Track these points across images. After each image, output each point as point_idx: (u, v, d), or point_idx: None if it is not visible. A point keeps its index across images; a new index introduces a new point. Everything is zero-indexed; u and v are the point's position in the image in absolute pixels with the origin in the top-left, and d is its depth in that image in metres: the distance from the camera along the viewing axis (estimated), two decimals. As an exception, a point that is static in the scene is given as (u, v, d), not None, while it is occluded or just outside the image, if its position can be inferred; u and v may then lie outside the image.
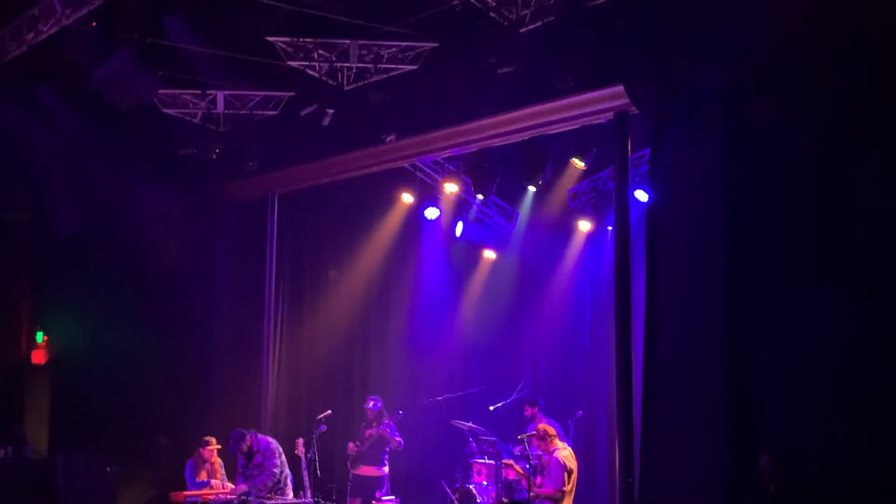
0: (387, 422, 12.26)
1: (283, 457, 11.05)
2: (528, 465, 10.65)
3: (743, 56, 9.08)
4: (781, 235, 8.98)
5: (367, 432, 12.37)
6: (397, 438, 12.26)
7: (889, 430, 8.05)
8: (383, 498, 12.38)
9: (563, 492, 9.95)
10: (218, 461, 12.08)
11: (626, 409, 9.81)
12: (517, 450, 11.89)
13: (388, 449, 12.38)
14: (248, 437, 10.92)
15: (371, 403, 12.45)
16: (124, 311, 13.31)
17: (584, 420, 13.02)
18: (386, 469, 12.46)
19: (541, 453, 10.68)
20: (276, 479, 10.80)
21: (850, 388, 8.39)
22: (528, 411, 12.42)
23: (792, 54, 8.84)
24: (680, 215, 9.85)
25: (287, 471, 11.00)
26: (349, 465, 12.34)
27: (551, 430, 10.43)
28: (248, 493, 10.36)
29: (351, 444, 12.39)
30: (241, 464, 11.02)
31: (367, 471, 12.33)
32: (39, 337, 13.94)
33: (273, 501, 10.18)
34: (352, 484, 12.27)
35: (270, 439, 11.10)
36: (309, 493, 11.06)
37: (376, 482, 12.33)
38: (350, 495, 12.12)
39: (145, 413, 13.37)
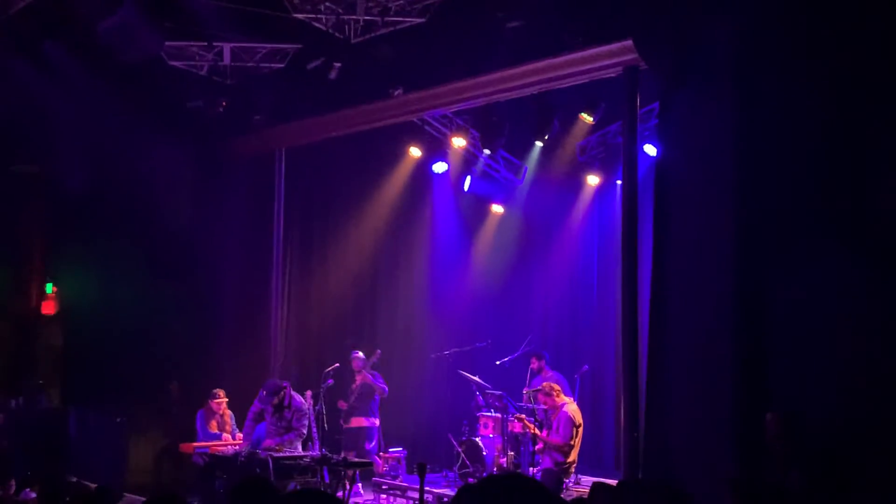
0: (365, 366, 12.41)
1: (311, 414, 11.11)
2: (533, 419, 10.75)
3: (756, 14, 8.98)
4: (793, 193, 8.91)
5: (352, 386, 12.54)
6: (381, 384, 12.43)
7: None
8: (390, 450, 12.54)
9: (571, 445, 10.05)
10: (228, 413, 12.21)
11: (632, 364, 9.84)
12: (522, 402, 12.02)
13: (377, 399, 12.52)
14: (283, 392, 10.91)
15: (353, 356, 12.61)
16: (134, 262, 13.33)
17: (591, 374, 13.09)
18: (376, 421, 12.61)
19: (546, 408, 10.77)
20: (300, 439, 10.88)
21: (862, 349, 8.36)
22: (535, 364, 12.52)
23: (807, 11, 8.74)
24: (689, 171, 9.79)
25: None
26: (342, 423, 12.49)
27: (556, 386, 10.50)
28: (278, 449, 10.45)
29: (341, 402, 12.54)
30: (261, 409, 10.99)
31: (356, 422, 12.50)
32: (49, 288, 13.99)
33: (281, 454, 10.25)
34: (345, 437, 12.42)
35: (302, 399, 11.12)
36: (317, 446, 11.19)
37: (364, 433, 12.48)
38: (345, 448, 12.27)
39: (155, 364, 13.45)
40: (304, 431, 10.89)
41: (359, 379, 12.49)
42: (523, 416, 11.30)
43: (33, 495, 8.32)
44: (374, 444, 12.53)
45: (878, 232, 8.41)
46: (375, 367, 12.72)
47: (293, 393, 11.07)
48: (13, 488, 8.98)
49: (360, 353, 12.70)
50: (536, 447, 10.33)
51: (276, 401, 10.87)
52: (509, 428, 11.92)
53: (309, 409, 11.33)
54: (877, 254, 8.33)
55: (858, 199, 8.54)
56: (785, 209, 8.97)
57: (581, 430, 10.24)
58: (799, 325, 8.78)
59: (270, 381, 11.23)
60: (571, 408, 10.23)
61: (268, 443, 10.69)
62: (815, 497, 7.68)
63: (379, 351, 12.72)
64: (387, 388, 12.53)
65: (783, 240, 8.96)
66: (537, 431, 10.54)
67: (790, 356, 8.79)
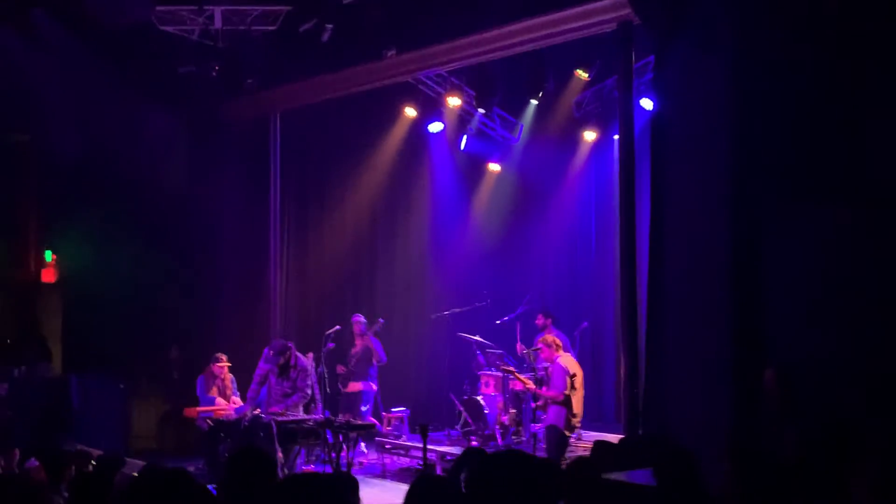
0: (368, 332, 12.45)
1: (314, 376, 11.13)
2: (533, 376, 10.79)
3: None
4: (790, 149, 8.87)
5: (353, 350, 12.57)
6: (380, 352, 12.46)
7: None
8: (393, 410, 12.61)
9: (566, 395, 10.01)
10: (229, 377, 12.25)
11: (632, 320, 9.87)
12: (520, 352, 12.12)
13: (374, 364, 12.57)
14: (288, 352, 10.89)
15: (355, 321, 12.63)
16: (131, 229, 13.34)
17: (591, 331, 13.13)
18: (374, 386, 12.64)
19: (546, 364, 10.78)
20: (307, 399, 10.89)
21: (858, 305, 8.38)
22: (541, 321, 12.46)
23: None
24: (686, 125, 9.75)
25: None
26: (340, 387, 12.54)
27: (558, 341, 10.50)
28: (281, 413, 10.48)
29: (339, 366, 12.58)
30: (267, 371, 11.02)
31: (353, 387, 12.54)
32: (48, 256, 13.98)
33: (285, 417, 10.30)
34: (343, 400, 12.49)
35: (305, 359, 11.13)
36: (319, 408, 11.25)
37: (359, 397, 12.52)
38: (342, 411, 12.34)
39: (156, 330, 13.51)
40: (309, 392, 10.90)
41: (360, 343, 12.52)
42: (513, 368, 11.33)
43: (37, 464, 8.35)
44: (368, 407, 12.57)
45: (873, 182, 8.39)
46: (377, 335, 12.73)
47: (297, 353, 11.07)
48: (17, 457, 9.03)
49: (362, 318, 12.71)
50: (538, 403, 10.36)
51: (281, 360, 10.86)
52: (510, 385, 11.98)
53: (312, 370, 11.39)
54: (873, 203, 8.33)
55: (855, 150, 8.52)
56: (781, 161, 8.94)
57: (579, 380, 10.14)
58: (796, 277, 8.78)
59: (276, 341, 11.25)
60: (564, 359, 10.17)
61: (274, 409, 10.72)
62: (811, 458, 7.73)
63: (382, 320, 12.73)
64: (385, 357, 12.55)
65: (779, 191, 8.94)
66: (530, 383, 10.55)
67: (788, 309, 8.80)
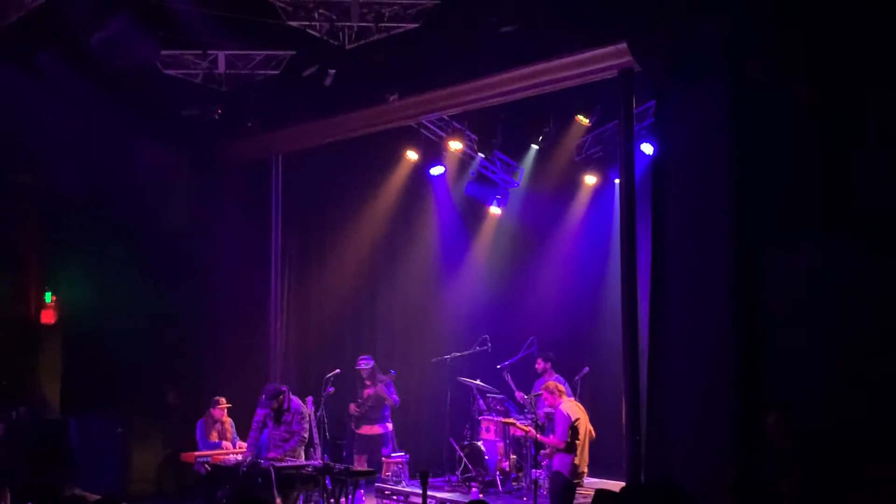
0: (383, 379, 12.41)
1: (312, 419, 11.05)
2: (533, 421, 10.68)
3: (745, 8, 9.00)
4: (787, 186, 8.96)
5: (366, 392, 12.53)
6: (393, 397, 12.45)
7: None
8: (393, 455, 12.54)
9: (567, 443, 9.83)
10: (228, 420, 12.18)
11: (633, 366, 9.83)
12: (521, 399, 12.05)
13: (388, 406, 12.53)
14: (281, 395, 10.77)
15: (363, 363, 12.56)
16: (132, 270, 13.32)
17: (591, 376, 13.07)
18: (390, 426, 12.61)
19: (549, 410, 10.67)
20: (305, 442, 10.79)
21: (858, 337, 8.38)
22: (541, 365, 12.43)
23: (794, 4, 8.76)
24: (686, 168, 9.83)
25: None
26: (353, 426, 12.49)
27: (560, 386, 10.41)
28: (280, 459, 10.37)
29: (352, 405, 12.55)
30: (264, 416, 10.92)
31: (370, 430, 12.50)
32: (48, 297, 13.96)
33: (284, 463, 10.22)
34: (357, 443, 12.43)
35: (301, 402, 11.00)
36: (318, 452, 11.17)
37: (380, 440, 12.53)
38: (357, 453, 12.29)
39: (155, 372, 13.45)
40: (305, 435, 10.79)
41: (371, 386, 12.46)
42: (513, 420, 11.26)
43: (33, 507, 8.29)
44: (389, 448, 12.55)
45: (873, 222, 8.44)
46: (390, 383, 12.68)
47: (292, 396, 10.99)
48: (8, 499, 8.95)
49: (371, 360, 12.65)
50: (542, 452, 10.25)
51: (275, 404, 10.78)
52: (511, 431, 11.92)
53: (310, 414, 11.32)
54: (873, 244, 8.36)
55: (853, 189, 8.59)
56: (780, 202, 9.01)
57: (582, 427, 9.96)
58: (797, 321, 8.80)
59: (269, 385, 11.16)
60: (567, 405, 10.02)
61: (272, 455, 10.64)
62: (813, 497, 7.70)
63: (394, 372, 12.70)
64: (398, 400, 12.53)
65: (780, 233, 9.00)
66: (532, 431, 10.45)
67: (789, 355, 8.81)
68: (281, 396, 10.74)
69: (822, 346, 8.59)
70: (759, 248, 9.14)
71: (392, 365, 13.02)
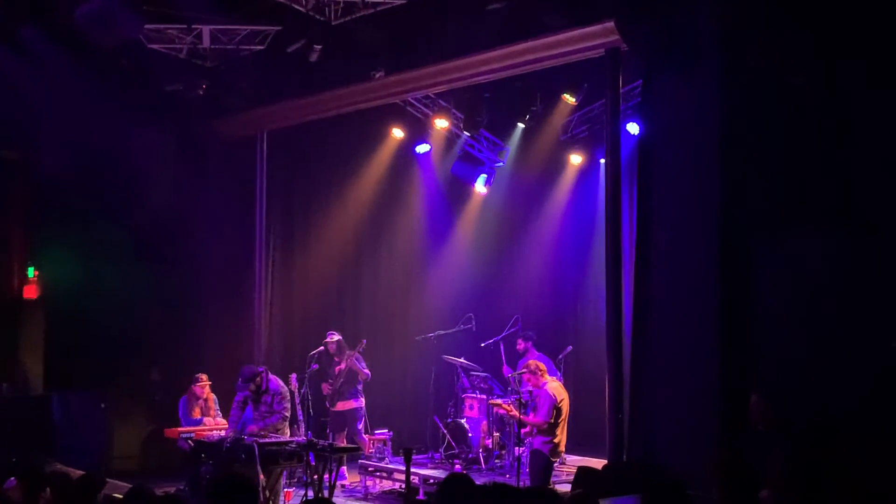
0: (350, 353, 12.40)
1: (293, 399, 11.00)
2: (517, 400, 10.74)
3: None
4: (777, 173, 8.95)
5: (337, 369, 12.55)
6: (365, 371, 12.44)
7: (886, 371, 8.09)
8: (376, 432, 12.57)
9: (551, 423, 9.96)
10: (211, 397, 12.18)
11: (617, 345, 9.85)
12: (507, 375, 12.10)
13: (360, 381, 12.54)
14: (258, 377, 10.68)
15: (329, 338, 12.56)
16: (116, 246, 13.28)
17: (575, 355, 13.12)
18: (362, 401, 12.62)
19: (531, 388, 10.73)
20: (285, 421, 10.76)
21: (846, 328, 8.42)
22: (521, 345, 12.53)
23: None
24: (673, 150, 9.82)
25: None
26: (328, 405, 12.50)
27: (542, 366, 10.47)
28: (259, 434, 10.35)
29: (325, 385, 12.56)
30: (244, 398, 10.85)
31: (343, 405, 12.53)
32: (31, 272, 13.90)
33: (267, 439, 10.23)
34: (331, 420, 12.43)
35: (280, 382, 10.96)
36: (302, 429, 11.18)
37: (354, 414, 12.54)
38: (333, 431, 12.28)
39: (138, 349, 13.43)
40: (287, 413, 10.76)
41: (344, 364, 12.48)
42: (499, 401, 11.32)
43: (15, 483, 8.26)
44: (362, 424, 12.57)
45: (861, 208, 8.46)
46: (361, 354, 12.68)
47: (271, 376, 10.93)
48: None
49: (336, 335, 12.64)
50: (523, 430, 10.31)
51: (252, 387, 10.72)
52: (494, 409, 11.96)
53: (294, 392, 11.32)
54: (860, 230, 8.38)
55: (842, 175, 8.59)
56: (768, 188, 9.01)
57: (565, 408, 10.11)
58: (781, 303, 8.83)
59: (245, 368, 11.01)
60: (552, 386, 10.11)
61: (251, 428, 10.63)
62: (796, 479, 7.74)
63: (364, 340, 12.68)
64: (369, 373, 12.54)
65: (767, 216, 9.00)
66: (515, 412, 10.52)
67: (772, 335, 8.85)
68: (258, 378, 10.67)
69: (810, 332, 8.62)
70: (745, 231, 9.15)
71: (377, 342, 13.06)
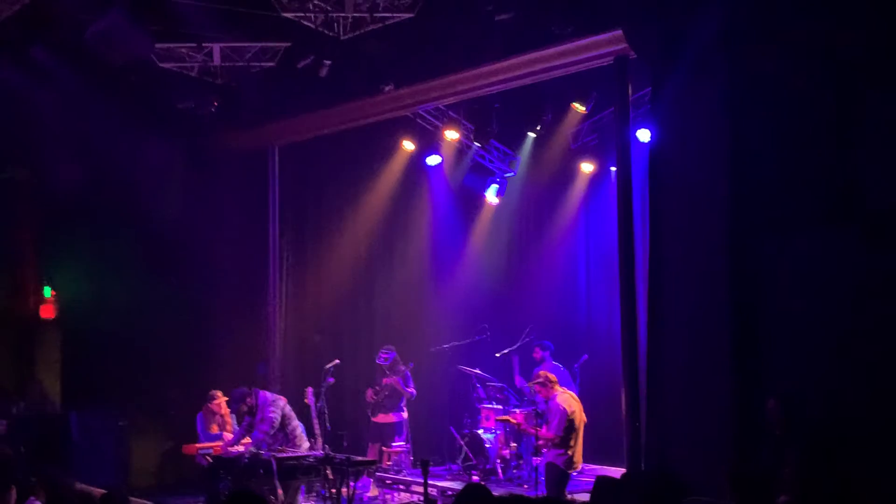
0: (402, 370, 12.48)
1: (286, 407, 10.86)
2: (534, 410, 10.76)
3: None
4: (786, 176, 8.94)
5: (385, 381, 12.58)
6: (409, 390, 12.51)
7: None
8: (393, 444, 12.58)
9: (561, 437, 9.95)
10: (228, 412, 12.17)
11: (632, 354, 9.86)
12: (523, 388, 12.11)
13: (404, 398, 12.61)
14: (248, 398, 10.70)
15: (384, 356, 12.62)
16: (130, 263, 13.34)
17: (590, 364, 13.11)
18: (404, 415, 12.72)
19: (543, 400, 10.72)
20: (274, 426, 10.59)
21: (855, 330, 8.39)
22: (538, 354, 12.51)
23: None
24: (683, 156, 9.81)
25: (296, 422, 10.99)
26: (369, 413, 12.53)
27: (552, 377, 10.45)
28: (257, 448, 10.37)
29: (369, 391, 12.61)
30: (247, 421, 10.91)
31: (384, 418, 12.61)
32: (47, 292, 13.98)
33: (285, 454, 10.25)
34: (371, 431, 12.46)
35: (267, 393, 10.99)
36: (319, 443, 11.20)
37: (393, 428, 12.65)
38: (370, 441, 12.34)
39: (154, 365, 13.47)
40: (273, 416, 10.57)
41: (389, 380, 12.54)
42: (508, 416, 11.33)
43: (38, 503, 8.29)
44: (402, 437, 12.65)
45: (872, 209, 8.44)
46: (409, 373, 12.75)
47: (260, 392, 10.88)
48: (14, 497, 8.95)
49: (393, 353, 12.74)
50: (539, 443, 10.31)
51: (244, 407, 10.72)
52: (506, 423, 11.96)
53: (311, 406, 11.35)
54: (872, 230, 8.37)
55: (851, 176, 8.57)
56: (779, 192, 8.99)
57: (578, 419, 10.08)
58: (794, 307, 8.81)
59: (234, 392, 10.99)
60: (563, 398, 10.08)
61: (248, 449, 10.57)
62: (811, 482, 7.73)
63: (412, 364, 12.75)
64: (414, 392, 12.67)
65: (777, 220, 8.99)
66: (525, 426, 10.56)
67: (786, 339, 8.83)
68: (247, 398, 10.69)
69: (820, 335, 8.59)
70: (757, 237, 9.14)
71: (405, 360, 13.03)
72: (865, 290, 8.38)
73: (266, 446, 10.52)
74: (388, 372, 12.65)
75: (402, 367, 12.59)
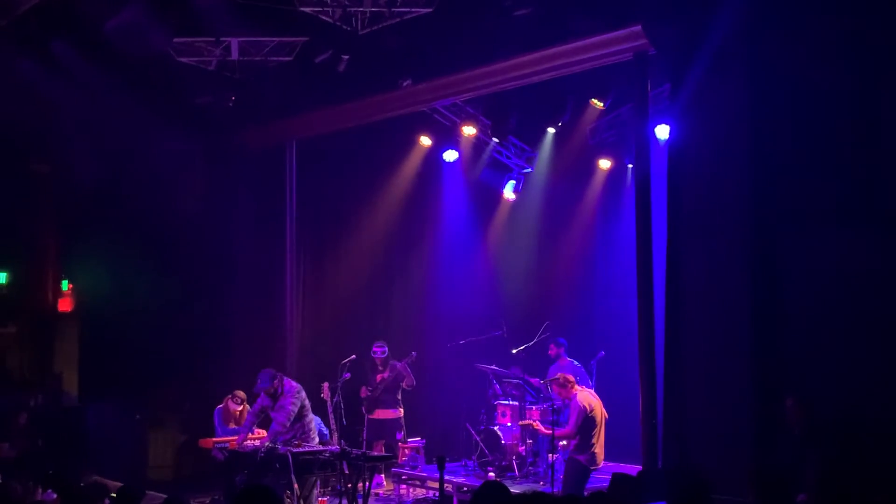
0: (395, 366, 12.47)
1: (306, 400, 10.90)
2: (551, 406, 10.74)
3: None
4: (807, 173, 8.90)
5: (379, 377, 12.57)
6: (410, 375, 12.46)
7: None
8: (409, 440, 12.57)
9: (577, 433, 9.94)
10: (245, 408, 12.20)
11: (649, 351, 9.82)
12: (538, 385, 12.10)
13: (400, 390, 12.56)
14: (275, 381, 10.62)
15: (378, 350, 12.61)
16: (148, 257, 13.40)
17: (607, 361, 13.05)
18: (401, 411, 12.67)
19: (563, 400, 10.68)
20: (290, 418, 10.51)
21: (876, 327, 8.34)
22: (553, 351, 12.48)
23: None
24: (703, 153, 9.78)
25: (311, 415, 10.97)
26: (364, 410, 12.51)
27: (571, 378, 10.42)
28: (273, 442, 10.36)
29: (364, 389, 12.57)
30: (264, 404, 10.81)
31: (383, 414, 12.58)
32: (65, 285, 14.05)
33: (300, 448, 10.25)
34: (369, 428, 12.41)
35: (294, 382, 10.87)
36: (335, 438, 11.20)
37: (394, 424, 12.62)
38: (372, 438, 12.31)
39: (172, 358, 13.51)
40: (291, 408, 10.44)
41: (388, 373, 12.55)
42: (529, 421, 11.32)
43: (55, 496, 8.34)
44: (402, 433, 12.63)
45: (891, 205, 8.38)
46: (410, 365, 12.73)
47: (286, 379, 10.80)
48: (33, 488, 9.01)
49: (386, 347, 12.74)
50: (560, 442, 10.29)
51: (270, 389, 10.62)
52: (527, 416, 11.93)
53: (327, 401, 11.35)
54: (889, 224, 8.31)
55: (875, 173, 8.52)
56: (800, 190, 8.95)
57: (598, 416, 10.05)
58: (814, 304, 8.77)
59: (266, 370, 10.89)
60: (581, 396, 10.08)
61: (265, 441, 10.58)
62: (831, 481, 7.68)
63: (414, 353, 12.73)
64: (414, 381, 12.59)
65: (798, 216, 8.95)
66: (542, 428, 10.54)
67: (806, 336, 8.79)
68: (275, 381, 10.64)
69: (841, 332, 8.55)
70: (777, 234, 9.10)
71: (407, 350, 13.03)
72: (888, 287, 8.33)
73: (282, 439, 10.50)
74: (380, 368, 12.64)
75: (395, 363, 12.57)
